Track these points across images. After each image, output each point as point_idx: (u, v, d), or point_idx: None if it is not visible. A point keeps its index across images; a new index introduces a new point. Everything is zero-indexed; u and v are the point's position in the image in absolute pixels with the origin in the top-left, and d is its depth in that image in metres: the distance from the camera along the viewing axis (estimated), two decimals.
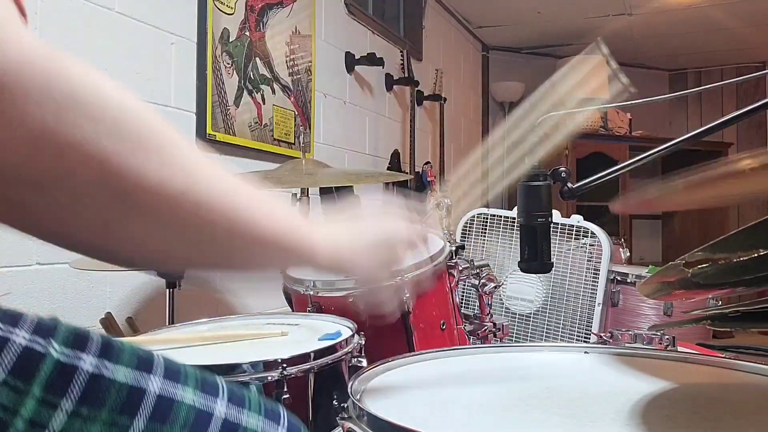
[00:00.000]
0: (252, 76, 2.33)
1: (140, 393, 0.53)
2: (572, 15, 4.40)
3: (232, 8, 2.23)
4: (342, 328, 1.17)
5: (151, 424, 0.52)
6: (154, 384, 0.54)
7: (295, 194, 1.85)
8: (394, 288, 0.75)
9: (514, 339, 1.92)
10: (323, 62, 2.79)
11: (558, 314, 1.91)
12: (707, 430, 0.62)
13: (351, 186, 2.85)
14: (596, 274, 1.88)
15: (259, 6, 2.38)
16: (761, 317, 0.68)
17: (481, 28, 4.77)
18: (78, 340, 0.52)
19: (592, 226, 1.92)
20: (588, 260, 1.90)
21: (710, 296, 1.44)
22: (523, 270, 0.87)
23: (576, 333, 1.88)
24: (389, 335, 1.33)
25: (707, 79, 5.67)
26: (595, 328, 1.84)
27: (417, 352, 0.90)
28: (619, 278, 2.06)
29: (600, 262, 1.88)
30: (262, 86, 2.39)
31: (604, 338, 1.19)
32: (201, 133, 2.07)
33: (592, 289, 1.88)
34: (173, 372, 0.56)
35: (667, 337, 1.10)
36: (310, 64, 2.70)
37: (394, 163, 3.40)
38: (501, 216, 2.04)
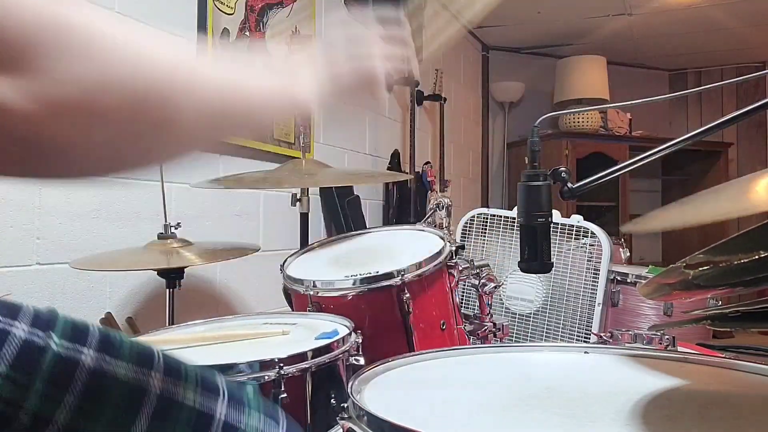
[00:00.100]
0: None
1: (142, 392, 0.52)
2: (572, 15, 4.40)
3: (232, 8, 2.23)
4: (339, 327, 1.17)
5: (153, 423, 0.52)
6: (156, 382, 0.53)
7: (295, 194, 1.85)
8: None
9: (514, 339, 1.92)
10: None
11: (558, 314, 1.91)
12: (707, 430, 0.62)
13: (351, 186, 2.85)
14: (596, 274, 1.88)
15: (259, 6, 2.38)
16: (761, 317, 0.68)
17: (481, 28, 4.77)
18: (77, 332, 0.52)
19: (592, 226, 1.92)
20: (588, 260, 1.90)
21: (710, 296, 1.44)
22: (523, 270, 0.87)
23: (576, 333, 1.88)
24: (389, 335, 1.33)
25: (707, 79, 5.67)
26: (595, 328, 1.84)
27: (417, 352, 0.90)
28: (619, 278, 2.06)
29: (600, 262, 1.88)
30: None
31: (604, 338, 1.19)
32: None
33: (592, 289, 1.88)
34: (174, 369, 0.56)
35: (667, 337, 1.10)
36: None
37: (394, 163, 3.40)
38: (501, 216, 2.04)
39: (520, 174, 0.86)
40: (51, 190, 1.58)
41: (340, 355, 1.04)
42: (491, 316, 1.50)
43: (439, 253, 1.39)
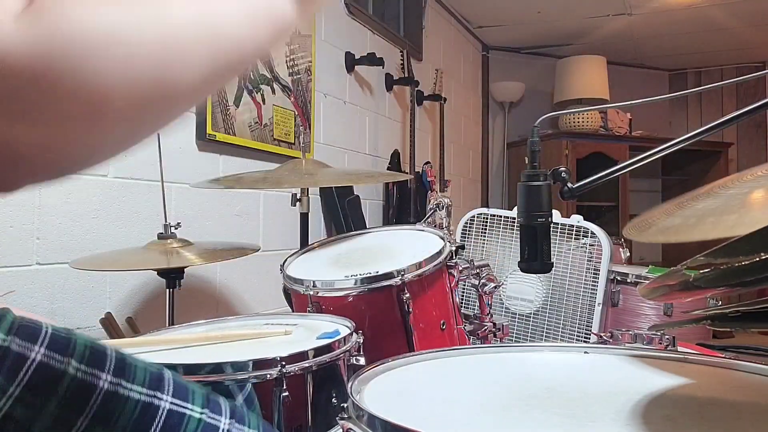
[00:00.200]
0: (252, 76, 2.33)
1: (153, 410, 0.53)
2: (572, 15, 4.40)
3: None
4: (340, 327, 1.17)
5: None
6: (166, 401, 0.54)
7: (295, 194, 1.85)
8: None
9: (514, 339, 1.92)
10: (323, 62, 2.79)
11: (558, 314, 1.91)
12: (707, 430, 0.62)
13: (351, 186, 2.85)
14: (596, 274, 1.88)
15: None
16: (761, 317, 0.68)
17: (481, 28, 4.77)
18: (95, 356, 0.52)
19: (592, 226, 1.92)
20: (588, 260, 1.90)
21: (709, 296, 1.44)
22: (523, 270, 0.87)
23: (576, 333, 1.88)
24: (389, 335, 1.33)
25: (707, 79, 5.68)
26: (595, 328, 1.84)
27: (417, 352, 0.90)
28: (619, 278, 2.06)
29: (600, 262, 1.88)
30: (262, 86, 2.39)
31: (604, 338, 1.19)
32: (201, 133, 2.07)
33: (592, 289, 1.88)
34: (182, 390, 0.57)
35: (667, 337, 1.10)
36: (310, 64, 2.70)
37: (394, 163, 3.40)
38: (501, 216, 2.04)
39: (520, 174, 0.86)
40: (51, 190, 1.58)
41: (342, 355, 1.04)
42: (491, 316, 1.50)
43: (439, 253, 1.40)
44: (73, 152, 0.38)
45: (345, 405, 0.67)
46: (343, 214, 2.77)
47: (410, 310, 1.30)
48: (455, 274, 1.45)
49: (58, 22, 0.34)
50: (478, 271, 1.49)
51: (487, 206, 2.22)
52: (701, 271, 0.61)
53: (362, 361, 1.06)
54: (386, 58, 3.18)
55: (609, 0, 4.14)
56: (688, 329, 1.90)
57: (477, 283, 1.49)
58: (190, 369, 0.92)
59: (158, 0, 0.38)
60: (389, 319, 1.32)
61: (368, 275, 1.32)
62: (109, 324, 1.60)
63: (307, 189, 1.85)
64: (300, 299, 1.40)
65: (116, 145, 0.40)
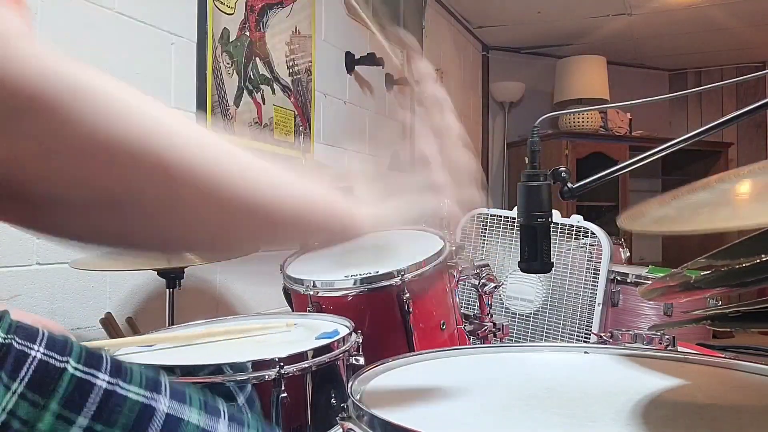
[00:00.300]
0: (252, 76, 2.33)
1: (151, 411, 0.54)
2: (572, 15, 4.40)
3: (232, 8, 2.23)
4: (339, 326, 1.17)
5: None
6: (163, 404, 0.55)
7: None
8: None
9: (514, 339, 1.92)
10: (323, 62, 2.79)
11: (558, 314, 1.91)
12: (707, 430, 0.62)
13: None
14: (596, 274, 1.88)
15: (259, 6, 2.38)
16: (761, 317, 0.68)
17: (481, 28, 4.77)
18: (92, 358, 0.53)
19: (592, 226, 1.92)
20: (588, 260, 1.90)
21: (708, 295, 1.44)
22: (523, 270, 0.87)
23: (576, 333, 1.88)
24: (389, 335, 1.33)
25: (707, 79, 5.68)
26: (595, 328, 1.84)
27: (417, 352, 0.90)
28: (619, 278, 2.06)
29: (600, 262, 1.88)
30: (262, 86, 2.39)
31: (604, 338, 1.19)
32: None
33: (592, 289, 1.88)
34: (179, 393, 0.57)
35: (667, 337, 1.10)
36: (310, 64, 2.70)
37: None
38: (501, 216, 2.04)
39: (520, 174, 0.86)
40: None
41: (341, 355, 1.04)
42: (491, 316, 1.50)
43: (439, 253, 1.39)
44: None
45: (345, 405, 0.67)
46: None
47: (410, 310, 1.30)
48: (455, 274, 1.45)
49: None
50: (478, 271, 1.49)
51: (487, 206, 2.22)
52: (702, 273, 0.61)
53: (362, 361, 1.06)
54: (386, 58, 3.18)
55: (609, 0, 4.14)
56: (688, 329, 1.90)
57: (477, 283, 1.49)
58: (189, 370, 0.92)
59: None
60: (389, 319, 1.32)
61: (368, 275, 1.32)
62: (109, 324, 1.60)
63: None
64: (300, 299, 1.40)
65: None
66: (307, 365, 0.98)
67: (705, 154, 5.06)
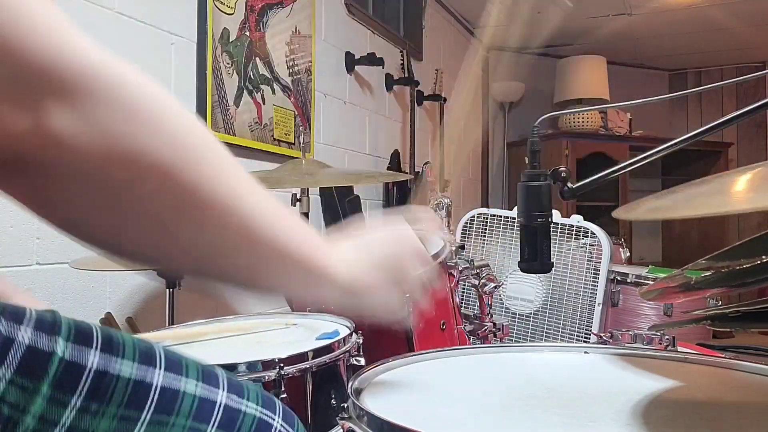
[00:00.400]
0: (252, 76, 2.33)
1: (146, 386, 0.53)
2: (572, 15, 4.40)
3: (232, 8, 2.23)
4: (340, 327, 1.17)
5: (157, 416, 0.53)
6: (158, 377, 0.54)
7: (295, 194, 1.85)
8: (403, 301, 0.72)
9: (514, 339, 1.92)
10: (323, 62, 2.79)
11: (558, 314, 1.91)
12: (707, 430, 0.62)
13: (351, 186, 2.85)
14: (596, 274, 1.88)
15: (259, 6, 2.38)
16: (761, 317, 0.68)
17: (481, 28, 4.77)
18: (81, 335, 0.52)
19: (592, 226, 1.92)
20: (588, 260, 1.90)
21: (708, 295, 1.44)
22: (523, 270, 0.87)
23: (576, 333, 1.88)
24: (389, 335, 1.33)
25: (707, 79, 5.68)
26: (595, 328, 1.84)
27: (417, 352, 0.90)
28: (619, 278, 2.05)
29: (600, 262, 1.88)
30: (262, 86, 2.39)
31: (604, 338, 1.19)
32: None
33: (592, 289, 1.88)
34: (174, 364, 0.57)
35: (667, 337, 1.10)
36: (310, 64, 2.70)
37: (394, 163, 3.40)
38: (501, 216, 2.04)
39: (520, 174, 0.86)
40: None
41: (341, 356, 1.04)
42: (491, 316, 1.50)
43: (439, 253, 1.39)
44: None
45: (345, 405, 0.67)
46: (343, 214, 2.77)
47: (410, 310, 1.30)
48: (455, 274, 1.45)
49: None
50: (478, 271, 1.49)
51: (487, 206, 2.22)
52: (703, 274, 0.61)
53: (362, 361, 1.06)
54: (386, 58, 3.18)
55: (609, 0, 4.14)
56: (688, 329, 1.90)
57: (477, 283, 1.49)
58: None
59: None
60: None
61: None
62: (109, 324, 1.60)
63: (307, 189, 1.85)
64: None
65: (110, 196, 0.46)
66: (307, 366, 0.98)
67: (705, 154, 5.06)
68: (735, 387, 0.77)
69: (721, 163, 5.09)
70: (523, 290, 1.97)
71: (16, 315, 0.50)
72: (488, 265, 1.53)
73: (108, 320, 1.61)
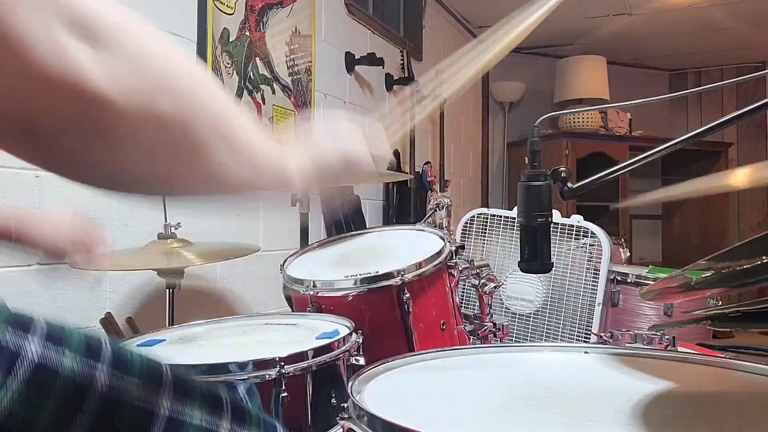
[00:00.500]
0: (252, 76, 2.33)
1: (151, 415, 0.53)
2: (572, 15, 4.40)
3: (232, 8, 2.23)
4: (340, 327, 1.17)
5: None
6: (165, 407, 0.54)
7: (295, 194, 1.85)
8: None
9: (514, 339, 1.92)
10: (323, 62, 2.79)
11: (558, 314, 1.91)
12: (707, 430, 0.62)
13: (351, 186, 2.85)
14: (596, 274, 1.88)
15: (259, 6, 2.38)
16: (761, 317, 0.68)
17: (481, 28, 4.77)
18: (91, 349, 0.52)
19: (592, 226, 1.92)
20: (588, 260, 1.90)
21: (708, 295, 1.44)
22: (523, 270, 0.87)
23: (576, 333, 1.88)
24: (389, 335, 1.33)
25: (707, 79, 5.67)
26: (595, 328, 1.84)
27: (417, 352, 0.90)
28: (619, 278, 2.06)
29: (600, 262, 1.88)
30: (262, 86, 2.39)
31: (604, 338, 1.19)
32: None
33: (592, 289, 1.88)
34: (182, 389, 0.57)
35: (667, 337, 1.10)
36: (310, 64, 2.70)
37: (394, 163, 3.40)
38: (501, 216, 2.04)
39: (520, 174, 0.86)
40: (51, 191, 1.58)
41: (341, 355, 1.04)
42: (491, 316, 1.50)
43: (439, 253, 1.39)
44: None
45: (345, 405, 0.67)
46: (343, 214, 2.77)
47: (410, 310, 1.30)
48: (455, 274, 1.45)
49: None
50: (478, 271, 1.49)
51: (487, 206, 2.22)
52: (703, 275, 0.61)
53: (362, 361, 1.06)
54: (386, 58, 3.18)
55: (609, 0, 4.14)
56: (688, 329, 1.90)
57: (477, 283, 1.49)
58: (189, 369, 0.92)
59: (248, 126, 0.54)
60: (389, 319, 1.32)
61: (368, 275, 1.32)
62: (109, 324, 1.60)
63: None
64: (300, 299, 1.40)
65: (140, 152, 0.47)
66: (307, 365, 0.98)
67: (705, 154, 5.06)
68: (735, 387, 0.77)
69: (721, 163, 5.09)
70: (523, 290, 1.97)
71: (25, 325, 0.50)
72: (488, 265, 1.53)
73: (108, 320, 1.61)
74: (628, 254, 2.59)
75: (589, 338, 1.83)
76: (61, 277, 1.60)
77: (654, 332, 1.11)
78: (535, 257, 0.84)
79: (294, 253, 1.59)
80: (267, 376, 0.93)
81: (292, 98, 2.56)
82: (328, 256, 1.57)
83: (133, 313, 1.78)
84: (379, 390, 0.76)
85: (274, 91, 2.45)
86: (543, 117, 0.93)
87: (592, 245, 1.90)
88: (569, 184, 0.83)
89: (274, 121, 2.45)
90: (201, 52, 2.09)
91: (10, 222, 0.83)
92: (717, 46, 5.04)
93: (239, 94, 2.26)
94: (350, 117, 0.74)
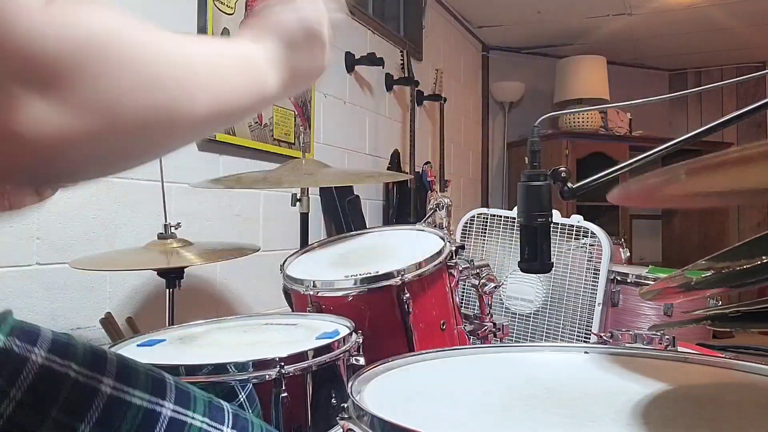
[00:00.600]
0: None
1: (155, 416, 0.53)
2: (572, 15, 4.40)
3: (232, 8, 2.23)
4: (340, 327, 1.17)
5: None
6: (168, 408, 0.54)
7: (295, 194, 1.85)
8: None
9: (514, 339, 1.92)
10: None
11: (558, 314, 1.91)
12: (707, 430, 0.62)
13: (351, 186, 2.85)
14: (596, 274, 1.88)
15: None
16: (761, 317, 0.68)
17: (481, 28, 4.77)
18: (96, 360, 0.52)
19: (592, 226, 1.92)
20: (588, 260, 1.90)
21: (708, 295, 1.44)
22: (523, 270, 0.87)
23: (576, 333, 1.88)
24: (389, 335, 1.33)
25: (707, 79, 5.67)
26: (595, 328, 1.84)
27: (417, 352, 0.90)
28: (619, 278, 2.06)
29: (600, 262, 1.88)
30: None
31: (604, 338, 1.19)
32: None
33: (592, 289, 1.88)
34: (184, 397, 0.57)
35: (667, 337, 1.10)
36: None
37: (394, 163, 3.40)
38: (501, 216, 2.04)
39: (520, 174, 0.86)
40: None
41: (341, 355, 1.04)
42: (491, 316, 1.50)
43: (439, 253, 1.39)
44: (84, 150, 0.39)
45: (345, 405, 0.67)
46: (343, 214, 2.77)
47: (410, 310, 1.30)
48: (455, 274, 1.45)
49: (86, 21, 0.37)
50: (478, 271, 1.49)
51: (487, 206, 2.22)
52: (703, 275, 0.61)
53: (362, 361, 1.06)
54: (386, 58, 3.18)
55: (609, 0, 4.14)
56: (688, 329, 1.90)
57: (477, 283, 1.49)
58: (190, 369, 0.92)
59: (182, 45, 0.43)
60: (389, 319, 1.32)
61: (368, 275, 1.32)
62: (109, 324, 1.60)
63: (307, 189, 1.85)
64: (300, 299, 1.40)
65: (117, 155, 0.42)
66: (307, 365, 0.98)
67: (705, 154, 5.06)
68: (735, 387, 0.77)
69: None
70: (523, 290, 1.97)
71: (30, 335, 0.50)
72: (488, 265, 1.53)
73: (108, 320, 1.61)
74: (628, 254, 2.60)
75: (589, 338, 1.83)
76: (61, 277, 1.60)
77: (654, 332, 1.11)
78: (535, 257, 0.84)
79: (294, 253, 1.59)
80: (267, 377, 0.93)
81: (292, 98, 2.56)
82: (328, 256, 1.57)
83: (133, 313, 1.78)
84: (379, 390, 0.76)
85: None
86: (543, 117, 0.94)
87: (592, 245, 1.90)
88: (569, 184, 0.84)
89: (274, 121, 2.45)
90: None
91: None
92: (717, 46, 5.04)
93: None
94: None
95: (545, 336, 1.91)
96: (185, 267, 1.56)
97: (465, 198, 4.66)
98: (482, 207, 2.25)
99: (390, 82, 3.44)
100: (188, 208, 1.99)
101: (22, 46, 0.34)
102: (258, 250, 1.63)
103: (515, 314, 1.98)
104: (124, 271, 1.73)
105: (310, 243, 1.71)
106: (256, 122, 2.35)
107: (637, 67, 5.55)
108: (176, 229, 1.55)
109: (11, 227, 1.49)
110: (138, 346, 1.13)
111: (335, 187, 2.75)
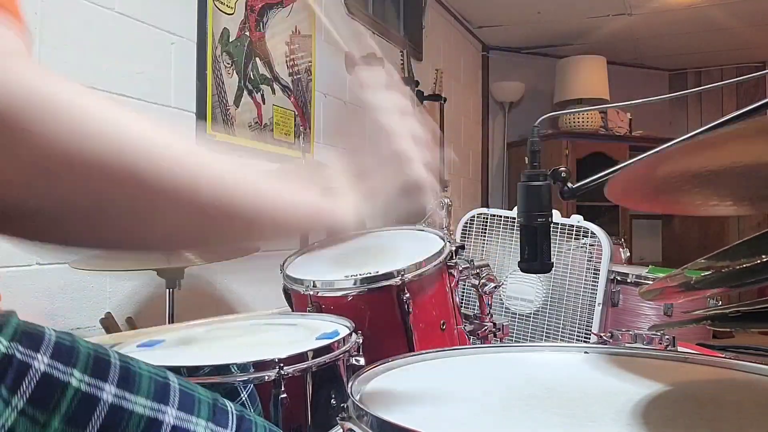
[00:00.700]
0: (252, 76, 2.33)
1: (158, 425, 0.53)
2: (572, 15, 4.40)
3: (232, 8, 2.23)
4: (340, 327, 1.17)
5: None
6: (170, 416, 0.54)
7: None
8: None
9: (514, 339, 1.92)
10: (323, 62, 2.79)
11: (558, 314, 1.91)
12: (707, 430, 0.62)
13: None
14: (596, 274, 1.88)
15: (259, 6, 2.38)
16: (761, 317, 0.68)
17: (481, 28, 4.77)
18: (99, 367, 0.51)
19: (592, 226, 1.92)
20: (588, 260, 1.90)
21: (708, 295, 1.44)
22: (523, 270, 0.87)
23: (576, 333, 1.88)
24: (389, 335, 1.33)
25: (707, 79, 5.68)
26: (595, 328, 1.84)
27: (417, 352, 0.90)
28: (619, 278, 2.06)
29: (600, 262, 1.88)
30: (262, 86, 2.39)
31: (604, 338, 1.19)
32: (201, 133, 2.07)
33: (592, 289, 1.88)
34: (188, 401, 0.56)
35: (667, 337, 1.10)
36: (310, 64, 2.70)
37: None
38: (501, 216, 2.04)
39: (520, 174, 0.86)
40: None
41: (341, 356, 1.04)
42: (491, 316, 1.50)
43: (439, 253, 1.39)
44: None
45: (345, 405, 0.66)
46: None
47: (410, 310, 1.30)
48: (455, 274, 1.45)
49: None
50: (478, 271, 1.49)
51: (487, 206, 2.22)
52: (703, 274, 0.61)
53: (362, 361, 1.06)
54: (386, 58, 3.18)
55: (609, 0, 4.14)
56: (688, 329, 1.90)
57: (477, 283, 1.49)
58: (189, 371, 0.92)
59: None
60: (389, 319, 1.32)
61: (368, 275, 1.32)
62: (109, 324, 1.60)
63: None
64: (300, 299, 1.40)
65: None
66: (307, 366, 0.98)
67: None
68: (735, 387, 0.77)
69: None
70: (523, 290, 1.97)
71: (34, 340, 0.49)
72: (488, 265, 1.53)
73: (108, 320, 1.61)
74: (628, 254, 2.59)
75: (589, 338, 1.83)
76: (61, 277, 1.60)
77: (654, 332, 1.11)
78: (535, 257, 0.84)
79: (294, 253, 1.59)
80: (266, 377, 0.93)
81: (292, 98, 2.56)
82: (327, 256, 1.57)
83: (133, 313, 1.78)
84: (379, 390, 0.76)
85: (274, 91, 2.45)
86: (543, 117, 0.94)
87: (592, 245, 1.90)
88: (569, 184, 0.84)
89: (274, 121, 2.45)
90: (201, 52, 2.09)
91: None
92: (717, 46, 5.04)
93: (239, 94, 2.26)
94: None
95: (545, 336, 1.91)
96: (185, 267, 1.56)
97: (465, 198, 4.66)
98: (482, 207, 2.25)
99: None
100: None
101: None
102: (258, 250, 1.63)
103: (515, 314, 1.98)
104: (124, 271, 1.73)
105: (310, 243, 1.71)
106: (256, 122, 2.35)
107: (637, 67, 5.55)
108: None
109: None
110: (137, 346, 1.13)
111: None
